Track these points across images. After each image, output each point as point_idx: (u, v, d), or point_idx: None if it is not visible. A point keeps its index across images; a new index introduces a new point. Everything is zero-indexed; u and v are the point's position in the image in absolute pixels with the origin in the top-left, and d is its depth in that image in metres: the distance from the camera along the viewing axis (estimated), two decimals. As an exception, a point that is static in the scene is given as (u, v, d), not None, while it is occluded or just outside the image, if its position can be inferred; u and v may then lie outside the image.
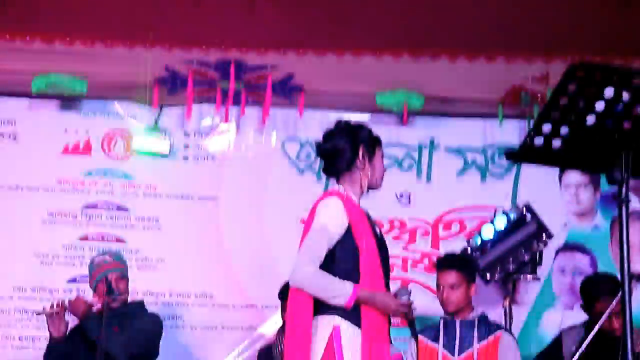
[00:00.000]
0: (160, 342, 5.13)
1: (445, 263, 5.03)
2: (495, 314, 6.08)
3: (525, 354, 6.01)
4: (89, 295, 5.30)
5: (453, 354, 4.90)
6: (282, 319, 5.56)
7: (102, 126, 6.52)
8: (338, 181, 3.81)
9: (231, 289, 6.38)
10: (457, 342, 4.91)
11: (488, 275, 5.73)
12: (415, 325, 3.73)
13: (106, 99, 6.51)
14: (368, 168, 3.79)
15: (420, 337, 4.99)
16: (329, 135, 3.85)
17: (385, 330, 3.68)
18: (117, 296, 4.95)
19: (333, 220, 3.64)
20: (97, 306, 4.92)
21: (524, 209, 5.76)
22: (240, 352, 6.28)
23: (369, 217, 3.83)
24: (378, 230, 3.84)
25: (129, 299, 5.15)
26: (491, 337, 4.89)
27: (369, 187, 3.84)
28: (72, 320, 5.03)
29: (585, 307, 5.12)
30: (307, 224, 3.72)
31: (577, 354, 4.48)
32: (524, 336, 6.22)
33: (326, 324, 3.60)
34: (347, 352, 3.55)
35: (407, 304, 3.66)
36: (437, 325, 5.05)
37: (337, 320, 3.58)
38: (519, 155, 2.68)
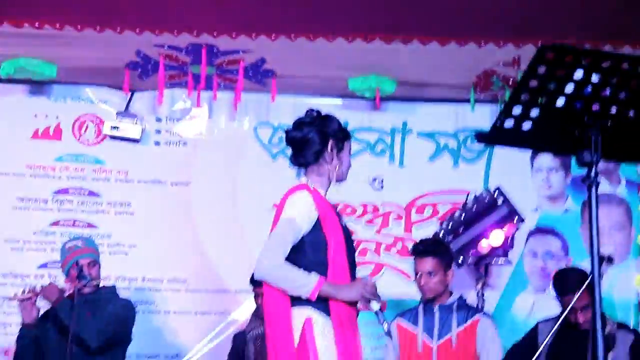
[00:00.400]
0: (133, 328, 5.12)
1: (422, 250, 5.03)
2: (469, 298, 6.14)
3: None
4: (60, 280, 5.30)
5: (432, 339, 4.93)
6: (256, 303, 5.57)
7: (72, 111, 6.50)
8: (305, 172, 3.83)
9: (204, 274, 6.38)
10: (436, 327, 4.94)
11: (461, 258, 5.77)
12: (381, 313, 3.72)
13: (76, 83, 6.48)
14: (336, 161, 3.81)
15: (399, 320, 5.03)
16: (298, 124, 3.85)
17: (354, 317, 3.72)
18: (89, 282, 4.93)
19: (301, 213, 3.66)
20: (69, 292, 4.91)
21: (496, 192, 5.80)
22: (213, 337, 6.29)
23: (335, 210, 3.86)
24: (343, 222, 3.87)
25: (101, 285, 5.13)
26: (469, 322, 4.92)
27: (335, 180, 3.85)
28: (43, 306, 5.01)
29: (559, 300, 5.15)
30: (276, 216, 3.74)
31: (542, 345, 4.53)
32: (496, 319, 6.23)
33: (298, 315, 3.61)
34: (320, 343, 3.57)
35: (371, 291, 3.67)
36: (416, 309, 5.09)
37: (309, 311, 3.60)
38: (490, 137, 2.69)
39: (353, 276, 3.77)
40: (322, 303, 3.59)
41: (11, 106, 6.45)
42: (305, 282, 3.56)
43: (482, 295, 5.91)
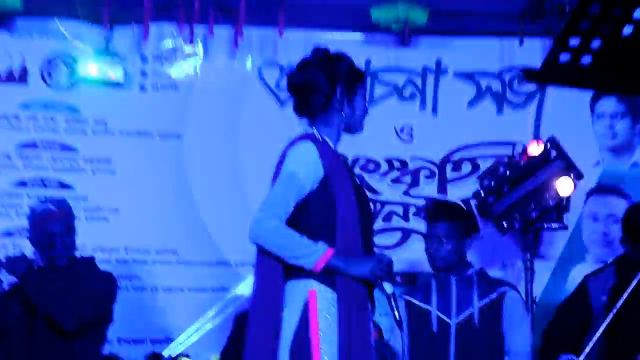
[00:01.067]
0: (115, 307, 5.14)
1: (435, 213, 5.10)
2: (514, 270, 6.14)
3: (549, 316, 6.07)
4: (28, 251, 5.31)
5: (449, 317, 4.98)
6: None
7: (41, 49, 6.48)
8: (312, 122, 3.83)
9: (199, 244, 6.41)
10: (454, 302, 4.99)
11: (505, 223, 5.76)
12: (394, 298, 3.74)
13: (45, 16, 6.45)
14: (347, 109, 3.81)
15: (408, 298, 5.08)
16: (302, 66, 3.84)
17: (365, 295, 3.72)
18: (62, 252, 4.93)
19: (304, 167, 3.66)
20: (38, 263, 4.91)
21: (548, 143, 5.77)
22: (210, 318, 6.32)
23: (347, 166, 3.87)
24: (358, 181, 3.88)
25: (77, 255, 5.14)
26: (494, 295, 4.98)
27: (348, 131, 3.87)
28: (8, 281, 5.03)
29: (629, 240, 5.09)
30: (276, 173, 3.75)
31: (620, 301, 4.44)
32: (547, 296, 6.28)
33: (300, 289, 3.64)
34: (324, 319, 3.60)
35: (386, 270, 3.67)
36: (427, 284, 5.13)
37: (312, 284, 3.62)
38: (541, 75, 2.67)
39: (368, 246, 3.78)
40: (330, 275, 3.60)
41: (-32, 44, 6.45)
42: (310, 252, 3.57)
43: (532, 266, 5.90)
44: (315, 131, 3.79)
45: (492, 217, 5.78)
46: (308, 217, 3.66)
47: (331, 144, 3.80)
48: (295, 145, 3.73)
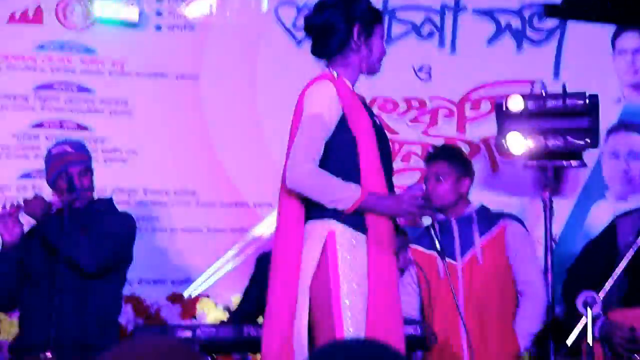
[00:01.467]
0: (134, 248, 5.15)
1: (431, 154, 5.29)
2: (532, 208, 6.13)
3: (570, 253, 6.05)
4: (46, 192, 5.32)
5: (454, 258, 5.01)
6: None
7: (55, -12, 6.44)
8: (329, 64, 3.85)
9: (217, 185, 6.41)
10: (456, 243, 5.03)
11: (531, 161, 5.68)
12: (436, 229, 3.76)
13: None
14: (364, 50, 3.84)
15: (415, 247, 5.07)
16: (319, 6, 3.90)
17: (392, 236, 3.78)
18: (80, 193, 4.94)
19: (327, 106, 3.71)
20: (56, 205, 4.92)
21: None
22: (230, 258, 6.34)
23: (366, 106, 3.89)
24: (377, 121, 3.91)
25: (95, 197, 5.15)
26: (495, 229, 5.03)
27: (366, 72, 3.91)
28: (27, 222, 5.05)
29: None
30: (296, 116, 3.79)
31: (636, 243, 4.47)
32: (567, 234, 6.28)
33: (319, 229, 3.70)
34: (343, 259, 3.63)
35: (421, 203, 3.70)
36: (429, 229, 5.13)
37: (332, 224, 3.68)
38: (563, 10, 2.62)
39: (389, 184, 3.81)
40: (349, 214, 3.64)
41: (-20, -16, 6.42)
42: (346, 194, 3.61)
43: (551, 204, 5.87)
44: (332, 71, 3.78)
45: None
46: (329, 158, 3.71)
47: (349, 84, 3.81)
48: (314, 86, 3.76)
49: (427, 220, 3.78)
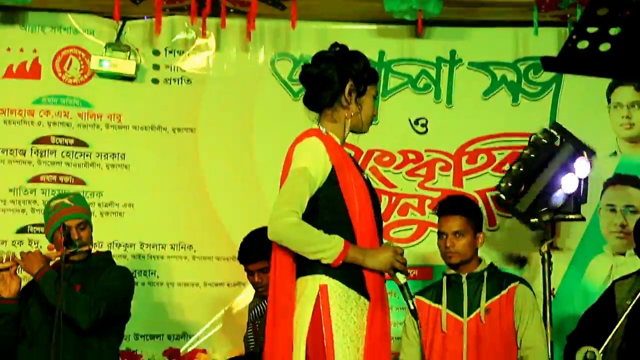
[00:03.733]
0: (131, 302, 5.16)
1: (448, 207, 5.20)
2: (532, 262, 6.14)
3: (567, 308, 6.09)
4: (44, 247, 5.33)
5: (461, 315, 5.02)
6: (251, 282, 5.57)
7: (53, 43, 6.49)
8: (319, 117, 3.93)
9: (214, 239, 6.41)
10: (465, 299, 5.03)
11: (534, 219, 5.67)
12: (407, 288, 3.79)
13: (57, 10, 6.47)
14: (354, 107, 3.89)
15: (420, 298, 5.11)
16: (317, 59, 3.97)
17: (384, 293, 3.83)
18: (78, 247, 4.94)
19: (313, 161, 3.76)
20: (54, 260, 4.92)
21: (552, 131, 5.72)
22: (226, 313, 6.34)
23: (354, 161, 3.95)
24: (365, 176, 3.95)
25: (93, 251, 5.16)
26: (504, 291, 5.02)
27: (353, 131, 3.95)
28: (24, 278, 5.05)
29: None
30: (284, 170, 3.84)
31: (630, 306, 4.54)
32: (565, 288, 6.27)
33: (311, 284, 3.73)
34: (337, 313, 3.66)
35: (402, 260, 3.75)
36: (438, 283, 5.18)
37: (323, 279, 3.71)
38: (559, 62, 2.67)
39: (381, 239, 3.88)
40: (339, 269, 3.68)
41: (-21, 38, 6.46)
42: (329, 246, 3.65)
43: (549, 258, 5.88)
44: (320, 127, 3.86)
45: (518, 216, 5.74)
46: (317, 213, 3.76)
47: (337, 140, 3.87)
48: (303, 141, 3.81)
49: (402, 278, 3.78)
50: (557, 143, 5.76)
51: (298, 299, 3.75)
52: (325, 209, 3.76)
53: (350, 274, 3.71)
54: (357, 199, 3.76)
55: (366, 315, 3.72)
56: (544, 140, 5.75)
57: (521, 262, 6.29)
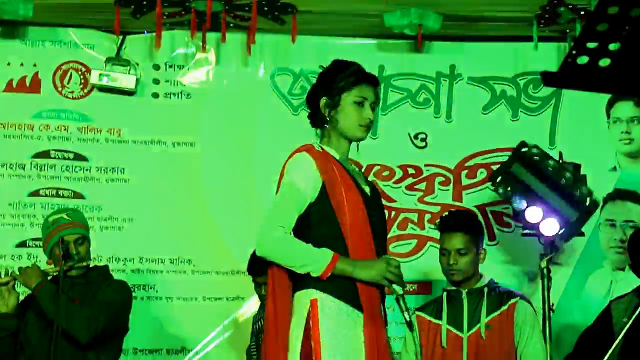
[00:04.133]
0: (130, 316, 5.15)
1: (451, 224, 5.18)
2: (533, 277, 6.13)
3: (567, 322, 6.07)
4: (42, 262, 5.33)
5: (461, 330, 5.02)
6: (257, 294, 5.60)
7: (53, 58, 6.51)
8: (320, 134, 4.01)
9: (214, 253, 6.40)
10: (465, 315, 5.03)
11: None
12: (404, 299, 3.76)
13: (57, 24, 6.48)
14: (336, 120, 3.92)
15: (420, 314, 5.11)
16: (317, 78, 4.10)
17: (379, 307, 3.82)
18: (76, 262, 4.95)
19: (303, 177, 3.78)
20: (52, 275, 4.92)
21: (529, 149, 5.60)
22: (225, 328, 6.33)
23: (354, 174, 3.94)
24: (369, 189, 3.95)
25: (91, 265, 5.16)
26: (505, 307, 5.02)
27: (342, 135, 3.94)
28: (23, 292, 5.06)
29: (636, 268, 5.15)
30: (278, 187, 3.87)
31: (627, 325, 4.51)
32: (565, 303, 6.26)
33: (303, 299, 3.74)
34: (325, 328, 3.66)
35: (395, 272, 3.71)
36: (439, 299, 5.17)
37: (313, 293, 3.71)
38: (559, 78, 2.66)
39: (382, 252, 3.87)
40: (331, 283, 3.69)
41: (-21, 53, 6.47)
42: (317, 258, 3.66)
43: (548, 273, 5.86)
44: (314, 143, 3.91)
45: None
46: (310, 228, 3.78)
47: (335, 154, 3.88)
48: (294, 157, 3.85)
49: (398, 289, 3.76)
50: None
51: (294, 314, 3.76)
52: (318, 223, 3.78)
53: (342, 287, 3.70)
54: (349, 214, 3.75)
55: (361, 328, 3.71)
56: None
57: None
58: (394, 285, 3.74)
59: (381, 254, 3.82)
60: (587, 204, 5.26)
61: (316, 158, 3.80)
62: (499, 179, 5.53)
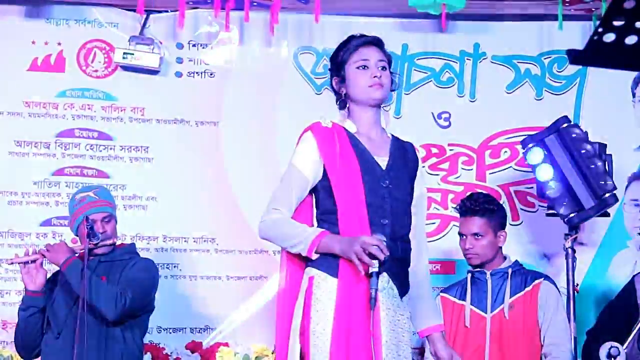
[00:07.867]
0: (155, 294, 5.21)
1: (467, 208, 5.22)
2: (557, 257, 6.15)
3: (591, 304, 6.09)
4: (68, 240, 5.39)
5: (485, 310, 5.05)
6: None
7: (77, 36, 6.54)
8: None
9: (237, 232, 6.42)
10: (489, 295, 5.06)
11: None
12: (376, 277, 3.68)
13: (81, 3, 6.53)
14: (348, 93, 3.95)
15: (445, 296, 5.15)
16: None
17: (363, 280, 3.70)
18: (102, 240, 4.98)
19: (302, 158, 3.84)
20: (79, 252, 4.95)
21: (569, 127, 5.62)
22: (249, 307, 6.37)
23: (370, 145, 3.91)
24: (388, 162, 3.91)
25: (118, 243, 5.21)
26: (529, 287, 5.04)
27: (358, 103, 3.94)
28: (50, 270, 5.11)
29: None
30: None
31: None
32: (589, 283, 6.27)
33: (305, 278, 3.80)
34: (315, 306, 3.71)
35: (367, 250, 3.58)
36: (463, 281, 5.22)
37: (312, 271, 3.77)
38: (585, 55, 2.67)
39: (397, 228, 3.84)
40: (326, 260, 3.71)
41: (3, 31, 6.50)
42: (302, 238, 3.70)
43: (573, 253, 5.90)
44: (323, 120, 3.91)
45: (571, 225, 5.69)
46: (319, 203, 3.86)
47: (351, 127, 3.90)
48: (300, 138, 3.91)
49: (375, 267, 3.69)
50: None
51: (300, 293, 3.81)
52: (323, 200, 3.84)
53: (328, 261, 3.72)
54: (340, 190, 3.78)
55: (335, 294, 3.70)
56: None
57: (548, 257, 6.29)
58: (375, 263, 3.66)
59: (398, 231, 3.83)
60: (607, 196, 5.30)
61: (318, 136, 3.83)
62: (530, 145, 5.59)
